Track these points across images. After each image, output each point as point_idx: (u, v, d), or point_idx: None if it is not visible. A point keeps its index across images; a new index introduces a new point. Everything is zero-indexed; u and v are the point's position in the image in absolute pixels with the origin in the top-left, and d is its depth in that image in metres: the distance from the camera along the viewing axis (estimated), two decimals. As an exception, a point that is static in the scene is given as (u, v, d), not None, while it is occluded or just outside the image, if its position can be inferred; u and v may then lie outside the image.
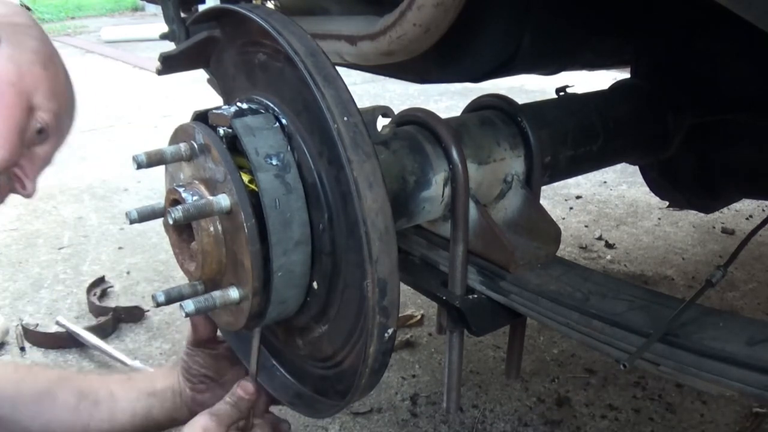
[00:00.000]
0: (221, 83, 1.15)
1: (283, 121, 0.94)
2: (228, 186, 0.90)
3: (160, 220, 0.99)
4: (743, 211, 2.91)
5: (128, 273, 2.50)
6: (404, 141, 1.09)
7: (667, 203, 1.98)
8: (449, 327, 1.12)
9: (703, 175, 1.59)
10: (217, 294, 0.95)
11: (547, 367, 1.91)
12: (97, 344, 1.98)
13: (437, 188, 1.10)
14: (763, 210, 2.91)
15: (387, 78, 2.03)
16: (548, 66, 1.53)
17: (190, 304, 0.93)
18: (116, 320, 2.14)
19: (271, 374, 1.19)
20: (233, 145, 0.92)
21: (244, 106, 0.97)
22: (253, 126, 0.92)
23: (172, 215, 0.87)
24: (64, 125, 1.17)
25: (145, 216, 0.97)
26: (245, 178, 0.91)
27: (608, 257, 2.56)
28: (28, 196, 1.15)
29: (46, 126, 1.11)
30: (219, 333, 1.24)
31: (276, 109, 0.96)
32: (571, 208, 3.03)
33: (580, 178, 3.27)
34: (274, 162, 0.90)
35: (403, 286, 0.97)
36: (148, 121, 4.56)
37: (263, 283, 0.92)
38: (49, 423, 1.23)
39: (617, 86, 1.52)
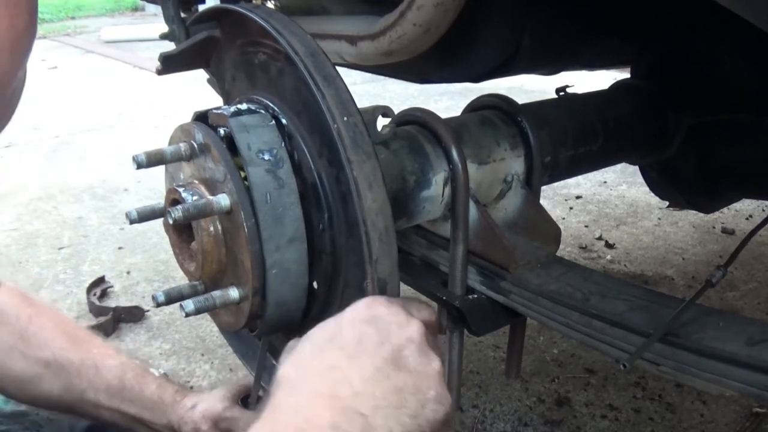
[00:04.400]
0: (221, 83, 1.15)
1: (283, 121, 0.94)
2: (228, 186, 0.90)
3: (160, 220, 0.99)
4: (743, 211, 2.91)
5: (128, 273, 2.50)
6: (404, 141, 1.09)
7: (667, 203, 1.98)
8: (449, 327, 1.13)
9: (704, 174, 1.59)
10: (217, 294, 0.95)
11: (547, 367, 1.91)
12: (97, 344, 1.98)
13: (437, 188, 1.09)
14: (763, 210, 2.91)
15: (387, 78, 2.03)
16: (548, 66, 1.53)
17: (190, 304, 0.93)
18: (116, 320, 2.14)
19: (272, 374, 1.19)
20: (233, 145, 0.92)
21: (244, 106, 0.97)
22: (248, 124, 0.92)
23: (172, 215, 0.87)
24: None
25: (145, 216, 0.97)
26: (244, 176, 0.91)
27: (608, 257, 2.56)
28: None
29: None
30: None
31: (276, 109, 0.96)
32: (571, 208, 3.03)
33: (580, 178, 3.26)
34: (266, 157, 0.90)
35: (403, 286, 0.97)
36: (148, 121, 4.56)
37: (263, 283, 0.92)
38: (36, 399, 1.19)
39: (617, 86, 1.52)
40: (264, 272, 0.90)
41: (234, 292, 0.94)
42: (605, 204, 3.08)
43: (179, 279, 2.34)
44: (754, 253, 2.48)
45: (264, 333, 0.99)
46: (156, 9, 1.76)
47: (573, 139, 1.32)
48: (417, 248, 1.22)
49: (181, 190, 0.94)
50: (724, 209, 2.75)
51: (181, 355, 1.99)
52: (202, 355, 1.99)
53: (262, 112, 0.96)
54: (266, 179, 0.89)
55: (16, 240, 2.79)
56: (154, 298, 0.95)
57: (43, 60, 6.97)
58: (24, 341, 1.21)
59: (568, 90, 1.44)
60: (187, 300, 0.94)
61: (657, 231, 2.78)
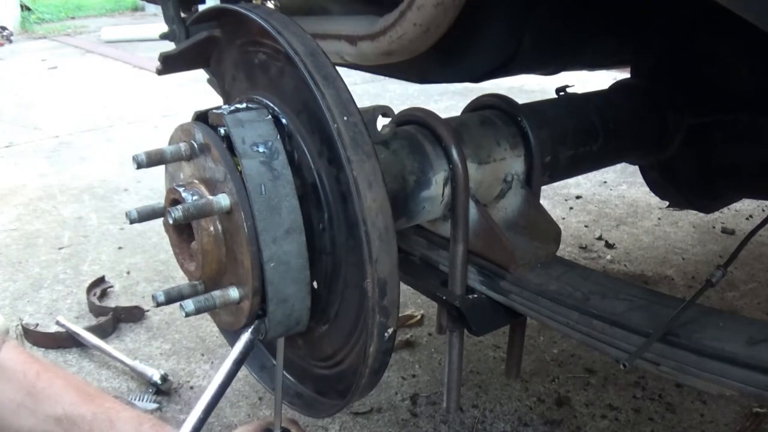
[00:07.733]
0: (221, 83, 1.15)
1: (283, 120, 0.95)
2: (228, 185, 0.90)
3: (160, 220, 0.99)
4: (743, 211, 2.91)
5: (128, 273, 2.50)
6: (404, 141, 1.09)
7: (667, 203, 1.98)
8: (449, 327, 1.13)
9: (704, 174, 1.59)
10: (217, 294, 0.95)
11: (547, 367, 1.91)
12: (97, 344, 1.98)
13: (437, 188, 1.10)
14: (763, 210, 2.91)
15: (387, 78, 2.03)
16: (548, 66, 1.53)
17: (190, 304, 0.93)
18: (116, 320, 2.14)
19: (272, 374, 1.20)
20: (233, 145, 0.92)
21: (243, 105, 0.97)
22: (244, 119, 0.92)
23: (172, 215, 0.88)
24: None
25: (145, 216, 0.97)
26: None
27: (608, 257, 2.56)
28: None
29: None
30: None
31: (276, 108, 0.96)
32: (571, 208, 3.03)
33: (580, 178, 3.26)
34: (261, 149, 0.90)
35: (403, 286, 0.97)
36: (148, 121, 4.56)
37: (263, 283, 0.92)
38: None
39: (617, 86, 1.52)
40: (262, 268, 0.90)
41: (234, 292, 0.94)
42: (605, 204, 3.08)
43: (179, 279, 2.34)
44: (754, 253, 2.48)
45: (271, 334, 0.99)
46: (156, 9, 1.76)
47: (573, 139, 1.32)
48: (417, 248, 1.22)
49: (181, 189, 0.94)
50: (724, 209, 2.75)
51: (181, 355, 1.99)
52: (202, 355, 1.99)
53: (260, 108, 0.96)
54: (261, 171, 0.89)
55: (16, 240, 2.79)
56: (154, 297, 0.95)
57: (43, 60, 6.97)
58: (32, 398, 1.15)
59: (568, 90, 1.44)
60: (187, 300, 0.94)
61: (657, 231, 2.78)
